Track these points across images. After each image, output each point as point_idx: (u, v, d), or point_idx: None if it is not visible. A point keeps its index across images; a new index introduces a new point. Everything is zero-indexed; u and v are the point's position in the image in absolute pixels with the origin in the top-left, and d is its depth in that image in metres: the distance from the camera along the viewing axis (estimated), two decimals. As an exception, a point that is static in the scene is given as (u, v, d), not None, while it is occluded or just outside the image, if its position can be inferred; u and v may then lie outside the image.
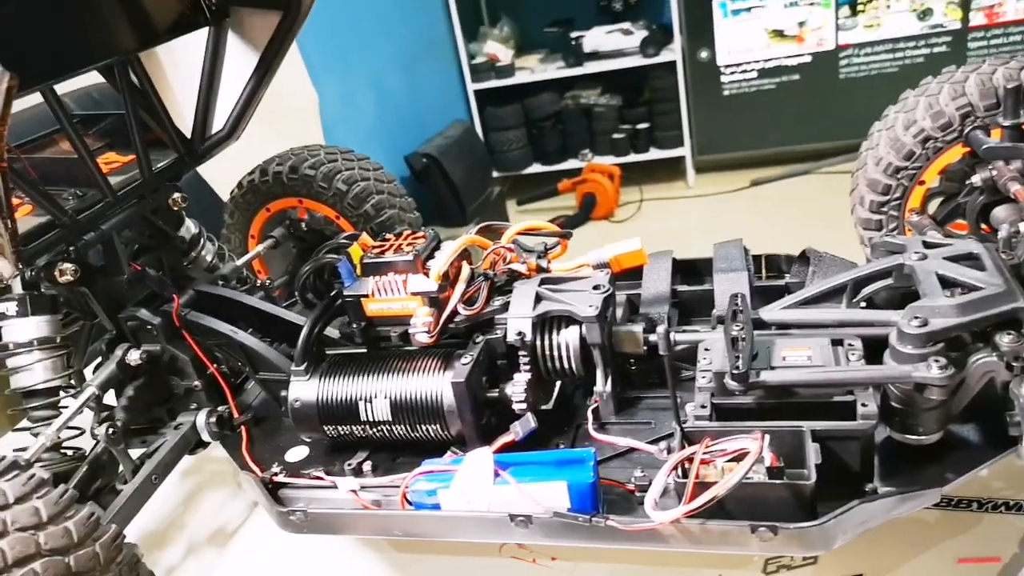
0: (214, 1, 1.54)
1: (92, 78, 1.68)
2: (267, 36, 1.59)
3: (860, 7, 4.51)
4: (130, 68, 1.50)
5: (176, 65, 1.66)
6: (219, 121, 1.67)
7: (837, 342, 1.13)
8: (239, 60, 1.63)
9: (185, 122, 1.68)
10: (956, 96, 1.45)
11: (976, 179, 1.42)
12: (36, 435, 1.34)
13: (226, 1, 1.56)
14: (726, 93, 4.80)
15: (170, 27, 1.51)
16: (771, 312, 1.21)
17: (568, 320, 1.27)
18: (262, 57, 1.61)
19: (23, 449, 1.29)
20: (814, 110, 4.72)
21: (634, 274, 1.46)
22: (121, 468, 1.39)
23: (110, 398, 1.48)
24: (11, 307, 1.36)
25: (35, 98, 1.33)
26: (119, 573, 1.08)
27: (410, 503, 1.18)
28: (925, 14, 4.43)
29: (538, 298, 1.28)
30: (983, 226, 1.50)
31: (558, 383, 1.39)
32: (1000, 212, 1.41)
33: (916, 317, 1.04)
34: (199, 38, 1.60)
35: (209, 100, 1.64)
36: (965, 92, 1.45)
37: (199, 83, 1.63)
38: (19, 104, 1.32)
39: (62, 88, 1.38)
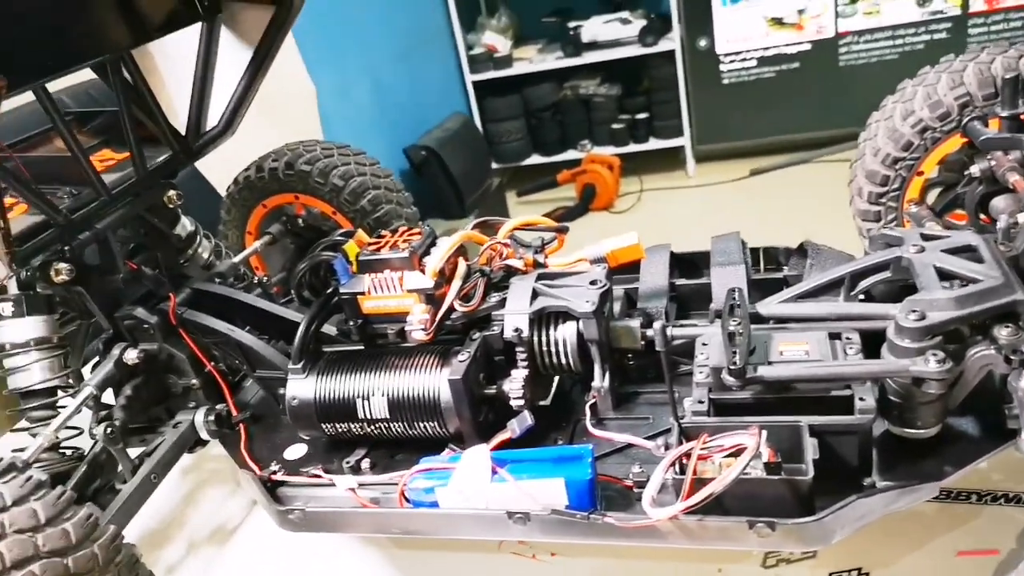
0: (206, -3, 1.53)
1: (88, 73, 1.68)
2: (260, 31, 1.58)
3: (860, -6, 4.48)
4: (123, 65, 1.49)
5: (169, 61, 1.66)
6: (214, 117, 1.67)
7: (835, 336, 1.13)
8: (233, 55, 1.62)
9: (180, 118, 1.67)
10: (954, 86, 1.44)
11: (975, 169, 1.41)
12: (34, 435, 1.34)
13: (218, -3, 1.55)
14: (725, 82, 4.79)
15: (163, 23, 1.50)
16: (768, 306, 1.20)
17: (565, 316, 1.27)
18: (256, 52, 1.60)
19: (21, 450, 1.29)
20: (814, 98, 4.70)
21: (633, 267, 1.46)
22: (120, 467, 1.39)
23: (108, 397, 1.48)
24: (7, 308, 1.36)
25: (29, 95, 1.32)
26: (118, 573, 1.08)
27: (408, 501, 1.18)
28: (925, 1, 4.41)
29: (535, 294, 1.28)
30: (982, 216, 1.49)
31: (556, 379, 1.39)
32: (999, 202, 1.40)
33: (914, 311, 1.03)
34: (192, 33, 1.58)
35: (203, 96, 1.63)
36: (963, 82, 1.43)
37: (193, 79, 1.62)
38: (13, 102, 1.32)
39: (59, 83, 1.36)
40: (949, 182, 1.56)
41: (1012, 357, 1.00)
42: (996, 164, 1.36)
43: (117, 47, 1.41)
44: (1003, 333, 1.01)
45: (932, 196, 1.61)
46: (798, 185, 4.54)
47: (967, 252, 1.15)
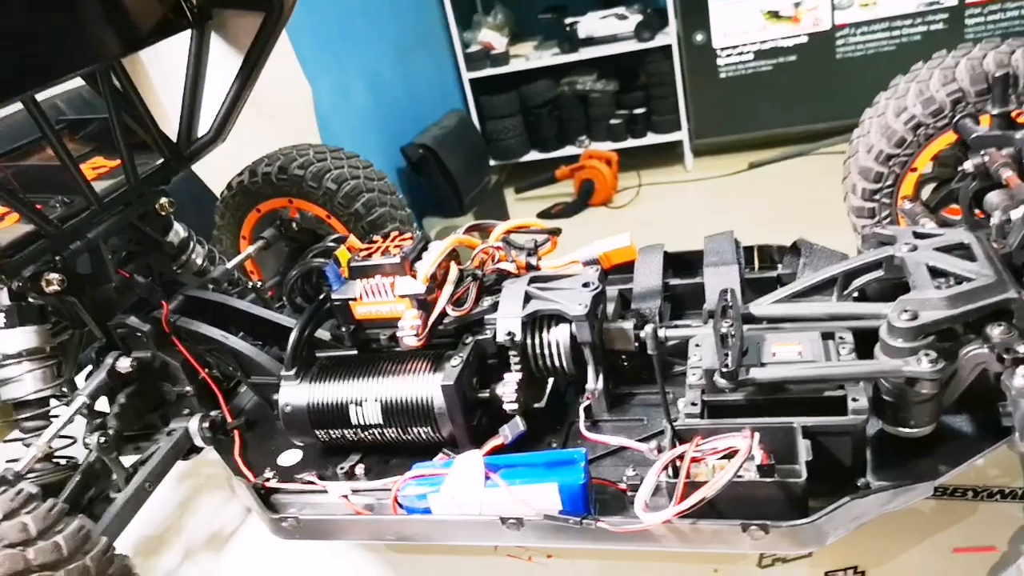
0: (196, 4, 1.52)
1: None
2: (250, 37, 1.57)
3: (856, -15, 4.46)
4: (113, 73, 1.49)
5: (160, 68, 1.65)
6: (205, 124, 1.66)
7: (828, 336, 1.13)
8: (223, 61, 1.61)
9: (171, 125, 1.66)
10: (947, 82, 1.43)
11: (968, 165, 1.40)
12: (28, 446, 1.34)
13: (208, 3, 1.54)
14: (722, 76, 4.77)
15: (152, 31, 1.49)
16: (761, 307, 1.20)
17: (558, 318, 1.26)
18: (246, 58, 1.59)
19: (16, 460, 1.29)
20: (811, 91, 4.69)
21: (627, 268, 1.45)
22: (115, 476, 1.39)
23: (103, 406, 1.48)
24: (-1, 318, 1.36)
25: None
26: (111, 585, 1.08)
27: (401, 507, 1.18)
28: (922, -9, 4.39)
29: (527, 297, 1.27)
30: (977, 211, 1.48)
31: (550, 381, 1.38)
32: (993, 198, 1.39)
33: (906, 310, 1.03)
34: (182, 41, 1.58)
35: (194, 103, 1.62)
36: (956, 78, 1.43)
37: (183, 86, 1.61)
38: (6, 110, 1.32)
39: (53, 89, 1.36)
40: (944, 177, 1.56)
41: (1005, 356, 0.99)
42: (989, 160, 1.35)
43: (106, 56, 1.41)
44: (996, 332, 1.01)
45: (927, 192, 1.60)
46: (797, 177, 4.53)
47: (960, 250, 1.14)
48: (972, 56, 1.42)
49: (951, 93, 1.42)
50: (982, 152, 1.38)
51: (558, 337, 1.26)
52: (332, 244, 1.38)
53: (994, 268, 1.07)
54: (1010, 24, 4.33)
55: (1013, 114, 1.28)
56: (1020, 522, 1.16)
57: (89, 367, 1.56)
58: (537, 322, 1.28)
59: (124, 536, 1.33)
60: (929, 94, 1.45)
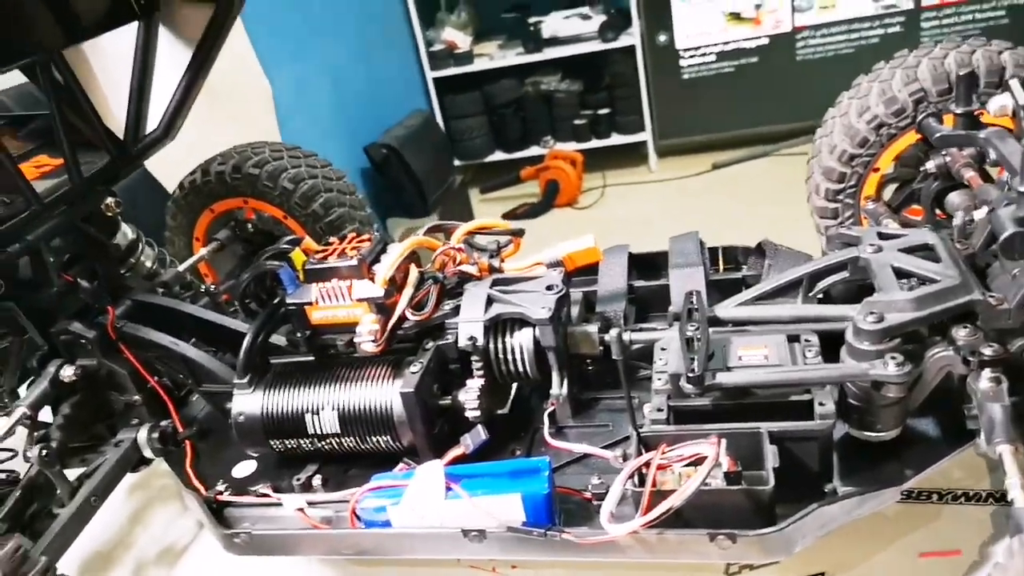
0: (142, -6, 1.46)
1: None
2: (200, 29, 1.52)
3: (816, -12, 4.51)
4: (54, 66, 1.42)
5: (105, 62, 1.58)
6: (154, 120, 1.60)
7: (793, 338, 1.11)
8: (172, 55, 1.55)
9: (118, 122, 1.59)
10: (909, 81, 1.43)
11: (930, 165, 1.40)
12: (-36, 460, 1.27)
13: (155, -6, 1.48)
14: (685, 77, 4.80)
15: (96, 22, 1.43)
16: (726, 309, 1.18)
17: (521, 322, 1.23)
18: (196, 51, 1.53)
19: (-50, 476, 1.22)
20: (772, 92, 4.73)
21: (592, 269, 1.43)
22: (58, 491, 1.32)
23: (47, 417, 1.41)
24: (-69, 325, 1.29)
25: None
26: (50, 608, 1.02)
27: (360, 520, 1.14)
28: (878, -6, 4.45)
29: (490, 300, 1.24)
30: (938, 212, 1.49)
31: (514, 387, 1.35)
32: (955, 198, 1.39)
33: (872, 312, 1.01)
34: (129, 33, 1.51)
35: (142, 98, 1.56)
36: (918, 77, 1.42)
37: (130, 81, 1.54)
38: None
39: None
40: (905, 178, 1.56)
41: (970, 358, 0.99)
42: (951, 160, 1.35)
43: (46, 47, 1.34)
44: (961, 334, 1.00)
45: (889, 192, 1.60)
46: (759, 178, 4.56)
47: (924, 251, 1.13)
48: (934, 56, 1.42)
49: (913, 93, 1.42)
50: (944, 152, 1.38)
51: (521, 341, 1.23)
52: (286, 246, 1.33)
53: (959, 269, 1.06)
54: (964, 27, 4.41)
55: (976, 113, 1.27)
56: (985, 525, 1.16)
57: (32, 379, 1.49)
58: (500, 326, 1.24)
59: (69, 554, 1.27)
60: (891, 94, 1.44)
